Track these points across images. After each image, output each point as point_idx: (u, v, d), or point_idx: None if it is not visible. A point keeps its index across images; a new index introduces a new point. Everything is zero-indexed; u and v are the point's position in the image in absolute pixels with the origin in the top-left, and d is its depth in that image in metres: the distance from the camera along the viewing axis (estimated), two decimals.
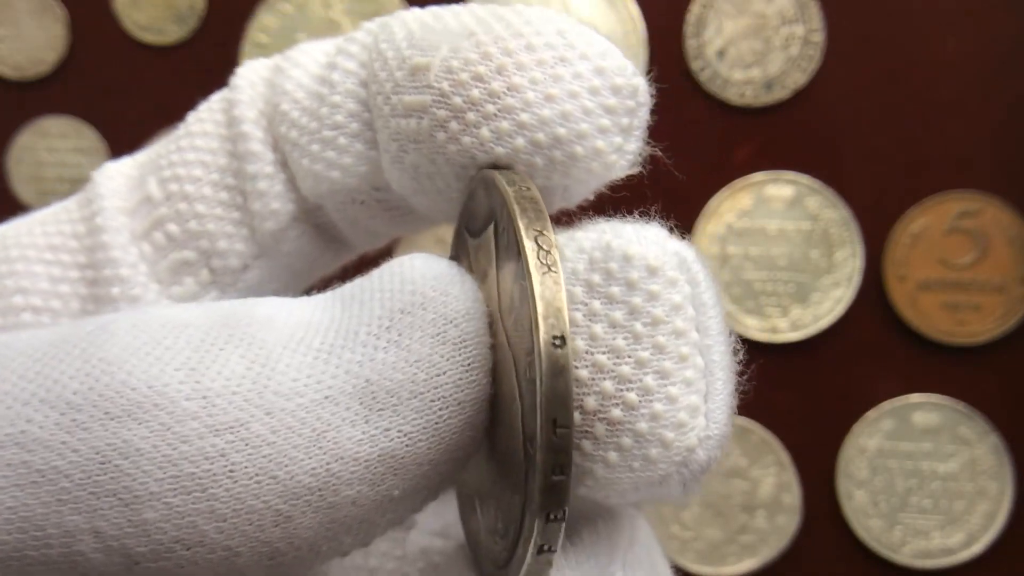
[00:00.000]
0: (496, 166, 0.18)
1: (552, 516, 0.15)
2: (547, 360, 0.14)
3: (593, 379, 0.16)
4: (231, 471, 0.14)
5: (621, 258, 0.16)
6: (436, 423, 0.16)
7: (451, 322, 0.16)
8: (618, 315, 0.16)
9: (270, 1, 0.61)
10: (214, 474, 0.14)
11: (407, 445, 0.15)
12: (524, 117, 0.17)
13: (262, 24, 0.61)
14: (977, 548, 0.57)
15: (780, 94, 0.57)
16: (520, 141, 0.17)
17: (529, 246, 0.15)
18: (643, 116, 0.18)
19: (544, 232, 0.15)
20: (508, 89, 0.17)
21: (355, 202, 0.21)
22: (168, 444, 0.14)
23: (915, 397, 0.57)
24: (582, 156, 0.18)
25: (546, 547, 0.15)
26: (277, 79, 0.21)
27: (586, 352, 0.16)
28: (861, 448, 0.58)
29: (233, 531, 0.14)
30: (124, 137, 0.62)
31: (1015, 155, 0.56)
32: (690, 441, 0.16)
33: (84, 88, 0.65)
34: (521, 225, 0.15)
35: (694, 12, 0.58)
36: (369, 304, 0.16)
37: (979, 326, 0.56)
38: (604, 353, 0.16)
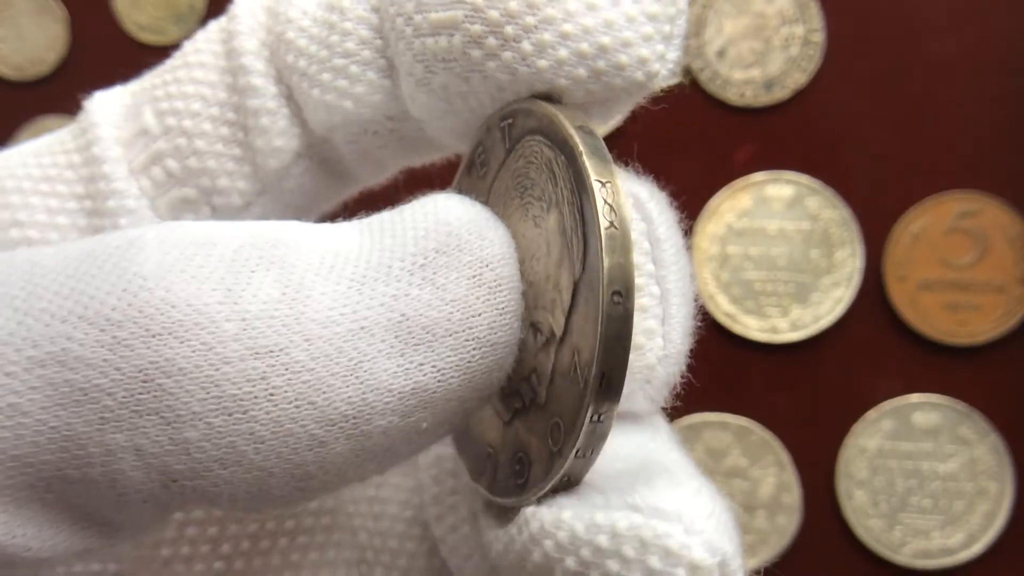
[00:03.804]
0: (540, 97, 0.18)
1: (597, 416, 0.15)
2: (607, 315, 0.15)
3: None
4: (271, 394, 0.15)
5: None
6: (468, 362, 0.16)
7: (487, 265, 0.16)
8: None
9: None
10: (255, 396, 0.14)
11: (439, 381, 0.16)
12: (567, 27, 0.17)
13: None
14: (977, 548, 0.57)
15: (780, 94, 0.57)
16: (564, 52, 0.17)
17: (599, 201, 0.15)
18: (683, 24, 0.18)
19: (612, 182, 0.16)
20: (549, 0, 0.17)
21: (367, 132, 0.20)
22: (211, 364, 0.14)
23: (915, 397, 0.57)
24: (627, 65, 0.17)
25: (588, 452, 0.16)
26: (279, 6, 0.21)
27: None
28: (861, 448, 0.58)
29: (270, 452, 0.15)
30: None
31: (1015, 155, 0.56)
32: (648, 360, 0.18)
33: (84, 88, 0.65)
34: (590, 170, 0.16)
35: (694, 12, 0.58)
36: (401, 239, 0.16)
37: (979, 326, 0.56)
38: None
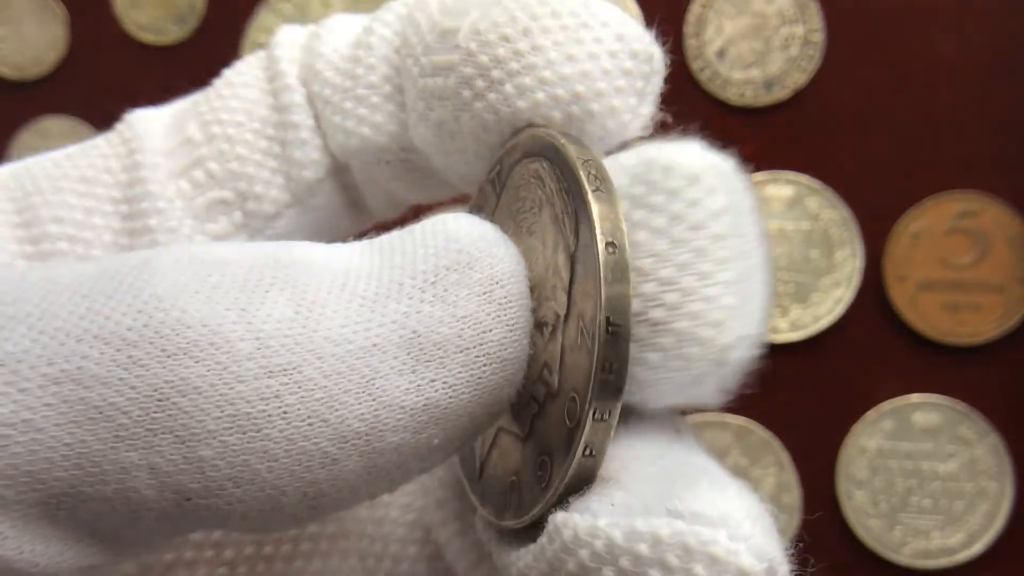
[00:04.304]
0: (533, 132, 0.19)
1: (599, 415, 0.16)
2: (604, 263, 0.16)
3: (636, 283, 0.16)
4: (285, 412, 0.15)
5: (662, 169, 0.17)
6: (479, 378, 0.16)
7: (497, 283, 0.17)
8: (660, 222, 0.17)
9: (270, 1, 0.61)
10: (269, 415, 0.15)
11: (451, 397, 0.16)
12: (546, 74, 0.18)
13: (262, 24, 0.61)
14: (977, 548, 0.57)
15: (780, 94, 0.57)
16: (540, 95, 0.18)
17: (582, 171, 0.17)
18: (657, 83, 0.19)
19: (592, 159, 0.17)
20: (532, 48, 0.18)
21: (380, 162, 0.22)
22: (225, 383, 0.14)
23: (915, 397, 0.57)
24: (598, 113, 0.18)
25: (604, 414, 0.16)
26: (313, 43, 0.23)
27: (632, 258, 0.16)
28: (861, 448, 0.58)
29: (283, 471, 0.15)
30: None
31: (1015, 155, 0.56)
32: (726, 339, 0.17)
33: (84, 88, 0.65)
34: (572, 152, 0.17)
35: (694, 12, 0.58)
36: (412, 257, 0.16)
37: (979, 326, 0.56)
38: (646, 258, 0.17)
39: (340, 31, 0.23)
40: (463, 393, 0.16)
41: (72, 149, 0.22)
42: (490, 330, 0.16)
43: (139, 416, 0.14)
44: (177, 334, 0.14)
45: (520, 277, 0.17)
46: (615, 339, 0.16)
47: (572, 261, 0.17)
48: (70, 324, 0.15)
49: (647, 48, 0.19)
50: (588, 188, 0.16)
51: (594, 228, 0.16)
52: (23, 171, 0.21)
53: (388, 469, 0.16)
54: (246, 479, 0.15)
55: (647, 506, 0.15)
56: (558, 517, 0.16)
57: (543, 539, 0.16)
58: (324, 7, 0.61)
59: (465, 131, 0.19)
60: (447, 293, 0.16)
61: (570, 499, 0.16)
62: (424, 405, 0.15)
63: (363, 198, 0.23)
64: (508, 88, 0.18)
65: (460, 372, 0.16)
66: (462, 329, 0.16)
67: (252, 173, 0.22)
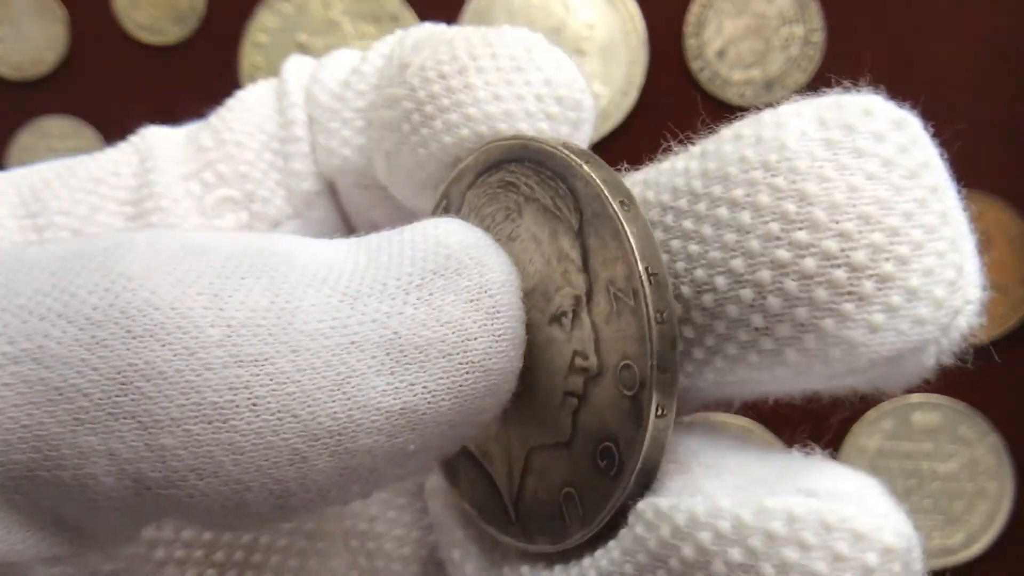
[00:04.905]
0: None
1: (661, 410, 0.15)
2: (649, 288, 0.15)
3: (860, 231, 0.15)
4: (254, 404, 0.14)
5: (861, 112, 0.16)
6: (461, 386, 0.16)
7: (486, 291, 0.16)
8: (872, 166, 0.15)
9: (270, 1, 0.61)
10: (236, 405, 0.14)
11: (430, 403, 0.15)
12: (471, 111, 0.19)
13: (262, 24, 0.61)
14: (977, 548, 0.57)
15: (780, 94, 0.57)
16: (465, 132, 0.19)
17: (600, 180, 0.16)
18: (585, 131, 0.19)
19: (562, 141, 0.17)
20: (464, 87, 0.19)
21: (360, 186, 0.22)
22: (192, 370, 0.14)
23: (915, 397, 0.57)
24: None
25: (662, 410, 0.15)
26: (317, 71, 0.24)
27: (848, 203, 0.15)
28: (861, 448, 0.58)
29: (249, 465, 0.14)
30: (124, 137, 0.62)
31: (1015, 155, 0.56)
32: (956, 302, 0.15)
33: (84, 88, 0.65)
34: (547, 141, 0.17)
35: (694, 12, 0.58)
36: (398, 259, 0.16)
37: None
38: (869, 204, 0.15)
39: (342, 61, 0.23)
40: (443, 400, 0.15)
41: (86, 156, 0.23)
42: (475, 338, 0.16)
43: (100, 399, 0.14)
44: (144, 316, 0.14)
45: (511, 288, 0.17)
46: (658, 287, 0.15)
47: (582, 236, 0.16)
48: (33, 302, 0.14)
49: (575, 95, 0.19)
50: (579, 161, 0.16)
51: (603, 193, 0.16)
52: (34, 172, 0.22)
53: (360, 472, 0.15)
54: (209, 471, 0.14)
55: (772, 488, 0.15)
56: (660, 503, 0.15)
57: (636, 529, 0.15)
58: (324, 7, 0.61)
59: (404, 163, 0.20)
60: (432, 297, 0.16)
61: (645, 490, 0.16)
62: (401, 408, 0.15)
63: (351, 221, 0.24)
64: (437, 124, 0.19)
65: (441, 378, 0.15)
66: (446, 334, 0.15)
67: (258, 177, 0.22)
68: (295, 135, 0.23)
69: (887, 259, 0.15)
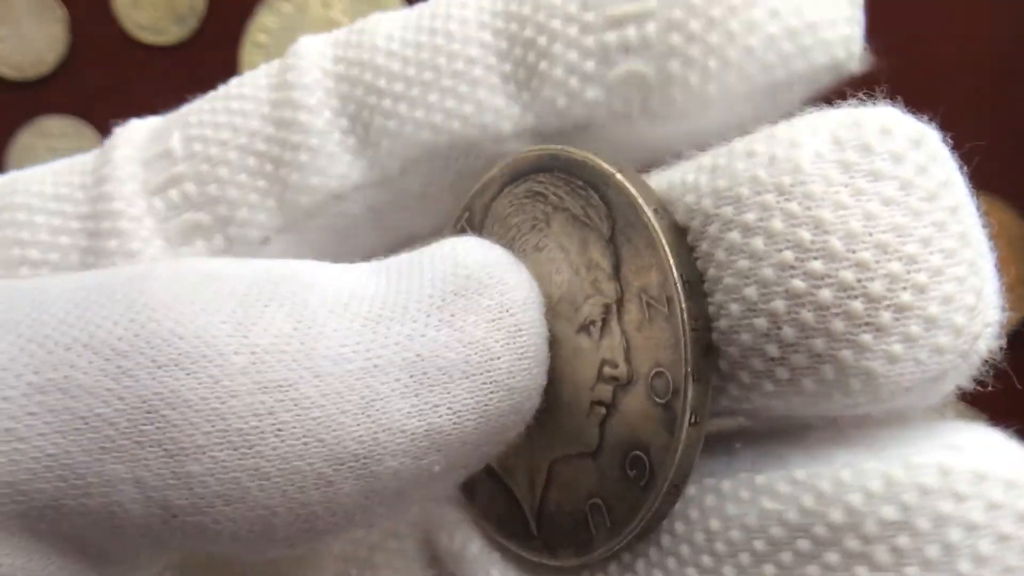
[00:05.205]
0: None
1: (695, 418, 0.15)
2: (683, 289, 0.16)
3: (878, 261, 0.15)
4: (279, 430, 0.14)
5: (879, 131, 0.15)
6: (486, 405, 0.16)
7: (507, 310, 0.16)
8: (891, 190, 0.15)
9: (270, 1, 0.61)
10: (262, 431, 0.14)
11: (455, 423, 0.15)
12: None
13: (262, 24, 0.61)
14: None
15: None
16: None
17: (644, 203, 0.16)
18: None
19: (593, 151, 0.17)
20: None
21: (447, 168, 0.21)
22: (217, 397, 0.14)
23: None
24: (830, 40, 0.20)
25: (696, 417, 0.16)
26: (353, 37, 0.21)
27: (864, 232, 0.15)
28: None
29: (275, 490, 0.14)
30: None
31: (1015, 155, 0.56)
32: (976, 328, 0.15)
33: (84, 88, 0.65)
34: (577, 151, 0.17)
35: None
36: (419, 281, 0.16)
37: None
38: (886, 232, 0.15)
39: (386, 23, 0.21)
40: (468, 420, 0.15)
41: (62, 162, 0.21)
42: (499, 357, 0.16)
43: (126, 428, 0.14)
44: (169, 345, 0.14)
45: (533, 305, 0.16)
46: (692, 293, 0.15)
47: (613, 245, 0.16)
48: (59, 332, 0.14)
49: None
50: (612, 170, 0.16)
51: (638, 201, 0.16)
52: (4, 185, 0.21)
53: (386, 495, 0.15)
54: (236, 497, 0.14)
55: (916, 447, 0.14)
56: (796, 474, 0.15)
57: (764, 504, 0.15)
58: (324, 7, 0.61)
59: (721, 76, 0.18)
60: (454, 318, 0.16)
61: (676, 499, 0.16)
62: (426, 430, 0.15)
63: (408, 207, 0.22)
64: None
65: (466, 399, 0.15)
66: (469, 355, 0.15)
67: (234, 196, 0.20)
68: (292, 142, 0.20)
69: (905, 288, 0.14)
